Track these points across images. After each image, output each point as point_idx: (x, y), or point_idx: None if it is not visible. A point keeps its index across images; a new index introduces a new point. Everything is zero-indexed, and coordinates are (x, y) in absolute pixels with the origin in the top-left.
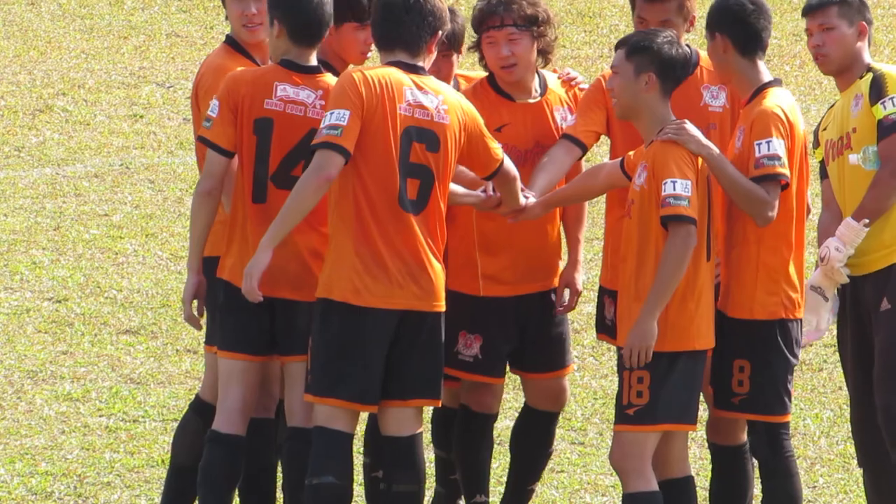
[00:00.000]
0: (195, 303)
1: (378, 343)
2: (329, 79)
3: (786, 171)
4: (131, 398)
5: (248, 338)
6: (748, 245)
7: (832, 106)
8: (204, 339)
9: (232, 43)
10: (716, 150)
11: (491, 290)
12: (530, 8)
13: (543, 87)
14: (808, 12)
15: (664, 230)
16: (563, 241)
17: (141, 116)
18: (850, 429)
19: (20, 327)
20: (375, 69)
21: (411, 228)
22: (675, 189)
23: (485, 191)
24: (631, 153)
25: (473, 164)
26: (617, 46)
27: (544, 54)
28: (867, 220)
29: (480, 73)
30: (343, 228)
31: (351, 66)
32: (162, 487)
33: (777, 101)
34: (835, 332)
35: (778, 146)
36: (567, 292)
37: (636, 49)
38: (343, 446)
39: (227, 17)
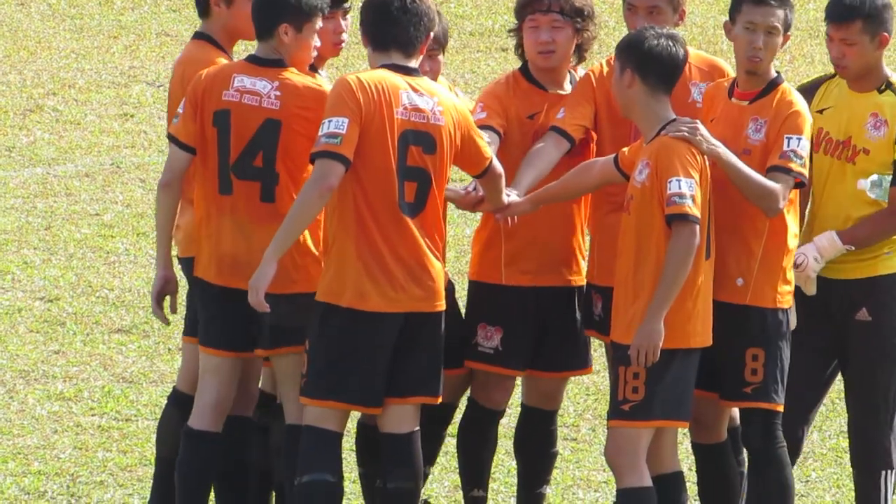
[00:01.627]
0: (168, 299)
1: (383, 347)
2: (292, 74)
3: (805, 172)
4: (123, 397)
5: (222, 333)
6: (778, 235)
7: (830, 79)
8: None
9: (208, 39)
10: (724, 148)
11: (512, 278)
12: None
13: (574, 83)
14: (832, 21)
15: (666, 228)
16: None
17: (131, 116)
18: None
19: (12, 327)
20: (370, 73)
21: (411, 231)
22: (679, 188)
23: (465, 188)
24: (625, 149)
25: (465, 163)
26: None
27: (580, 51)
28: (852, 247)
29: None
30: (344, 233)
31: (339, 73)
32: None
33: (804, 103)
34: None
35: (805, 147)
36: None
37: (619, 47)
38: (334, 445)
39: (201, 13)
